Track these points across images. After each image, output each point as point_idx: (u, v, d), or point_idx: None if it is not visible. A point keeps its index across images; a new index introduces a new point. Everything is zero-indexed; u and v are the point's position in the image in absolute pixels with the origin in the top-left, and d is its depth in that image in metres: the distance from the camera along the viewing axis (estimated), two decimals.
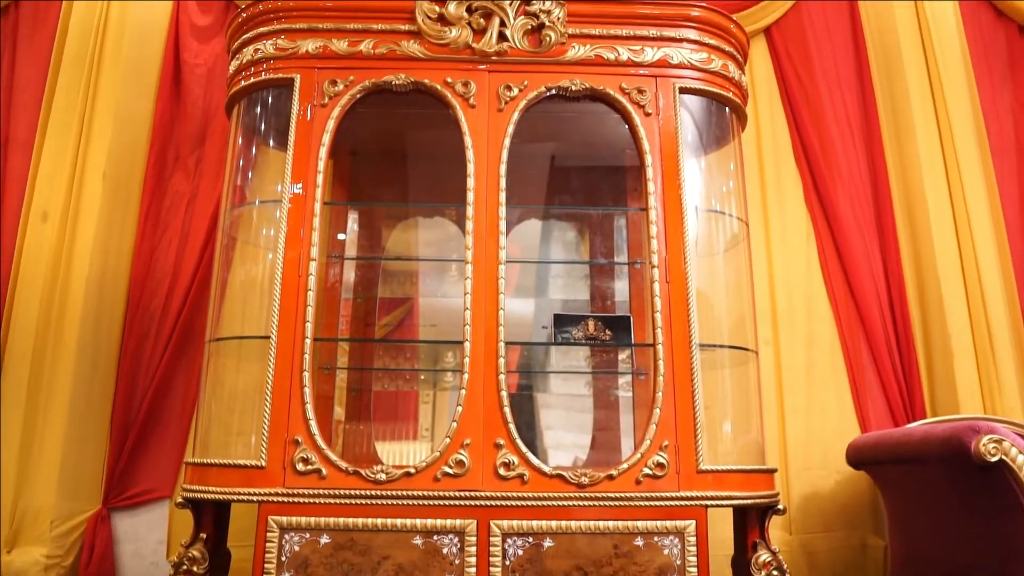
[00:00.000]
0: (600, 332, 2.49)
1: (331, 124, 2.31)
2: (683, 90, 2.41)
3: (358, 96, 2.35)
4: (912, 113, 3.37)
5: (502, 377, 2.13)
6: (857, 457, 2.79)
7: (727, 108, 2.55)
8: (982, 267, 3.19)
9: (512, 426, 2.10)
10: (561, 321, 2.54)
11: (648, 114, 2.36)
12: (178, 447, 2.98)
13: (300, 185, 2.26)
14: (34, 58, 3.29)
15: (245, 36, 2.47)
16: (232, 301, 2.59)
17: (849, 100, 3.46)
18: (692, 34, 2.44)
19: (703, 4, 2.49)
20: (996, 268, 3.21)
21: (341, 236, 2.87)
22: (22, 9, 3.35)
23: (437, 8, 2.37)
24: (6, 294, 2.99)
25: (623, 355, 2.78)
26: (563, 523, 2.04)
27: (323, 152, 2.28)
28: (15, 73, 3.27)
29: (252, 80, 2.42)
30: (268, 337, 2.15)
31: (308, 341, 2.15)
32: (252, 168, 2.63)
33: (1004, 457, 2.08)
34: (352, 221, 2.95)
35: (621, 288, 2.92)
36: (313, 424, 2.09)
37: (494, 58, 2.36)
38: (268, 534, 2.01)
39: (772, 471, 2.28)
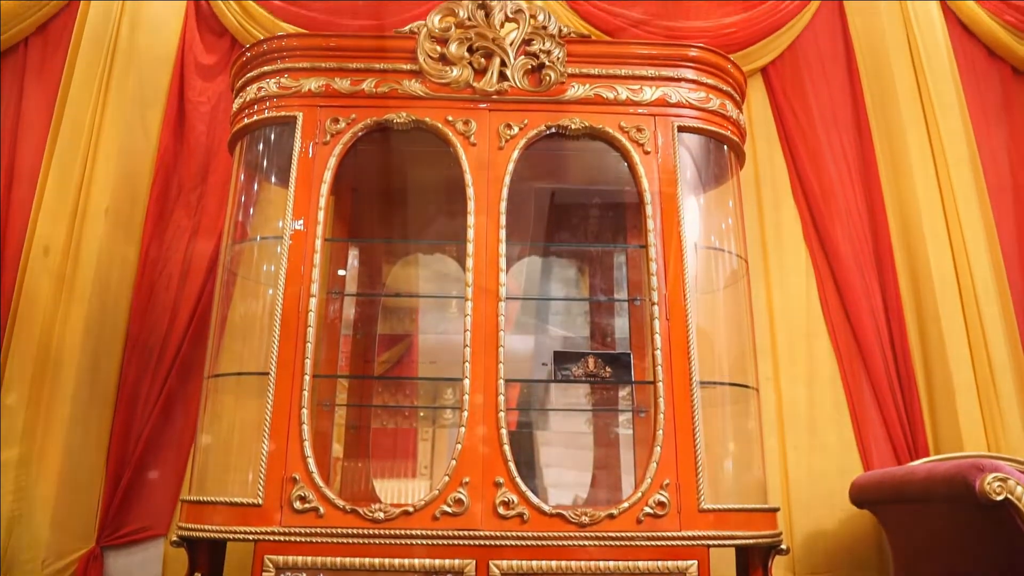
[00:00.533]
0: (600, 369, 2.49)
1: (333, 161, 2.33)
2: (682, 128, 2.43)
3: (360, 134, 2.37)
4: (908, 151, 3.40)
5: (502, 414, 2.11)
6: (860, 496, 2.76)
7: (725, 146, 2.58)
8: (982, 303, 3.19)
9: (512, 464, 2.08)
10: (561, 358, 2.53)
11: (647, 152, 2.38)
12: (174, 484, 2.95)
13: (301, 221, 2.27)
14: (41, 94, 3.33)
15: (249, 75, 2.50)
16: (231, 337, 2.59)
17: (846, 138, 3.50)
18: (690, 73, 2.48)
19: (700, 44, 2.53)
20: (996, 304, 3.21)
21: (341, 272, 2.87)
22: (31, 46, 3.40)
23: (439, 48, 2.41)
24: (5, 326, 2.99)
25: (623, 392, 2.76)
26: (563, 563, 2.00)
27: (324, 189, 2.30)
28: (22, 108, 3.31)
29: (255, 118, 2.45)
30: (267, 373, 2.14)
31: (307, 377, 2.14)
32: (254, 204, 2.64)
33: (1009, 496, 2.06)
34: (352, 257, 2.96)
35: (621, 325, 2.91)
36: (311, 462, 2.07)
37: (495, 97, 2.39)
38: (264, 573, 1.98)
39: (775, 510, 2.25)
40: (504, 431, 2.10)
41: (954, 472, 2.20)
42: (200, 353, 2.90)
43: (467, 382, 2.14)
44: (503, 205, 2.29)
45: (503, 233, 2.27)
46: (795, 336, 3.24)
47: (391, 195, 3.00)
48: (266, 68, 2.46)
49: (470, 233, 2.27)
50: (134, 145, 3.27)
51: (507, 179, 2.31)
